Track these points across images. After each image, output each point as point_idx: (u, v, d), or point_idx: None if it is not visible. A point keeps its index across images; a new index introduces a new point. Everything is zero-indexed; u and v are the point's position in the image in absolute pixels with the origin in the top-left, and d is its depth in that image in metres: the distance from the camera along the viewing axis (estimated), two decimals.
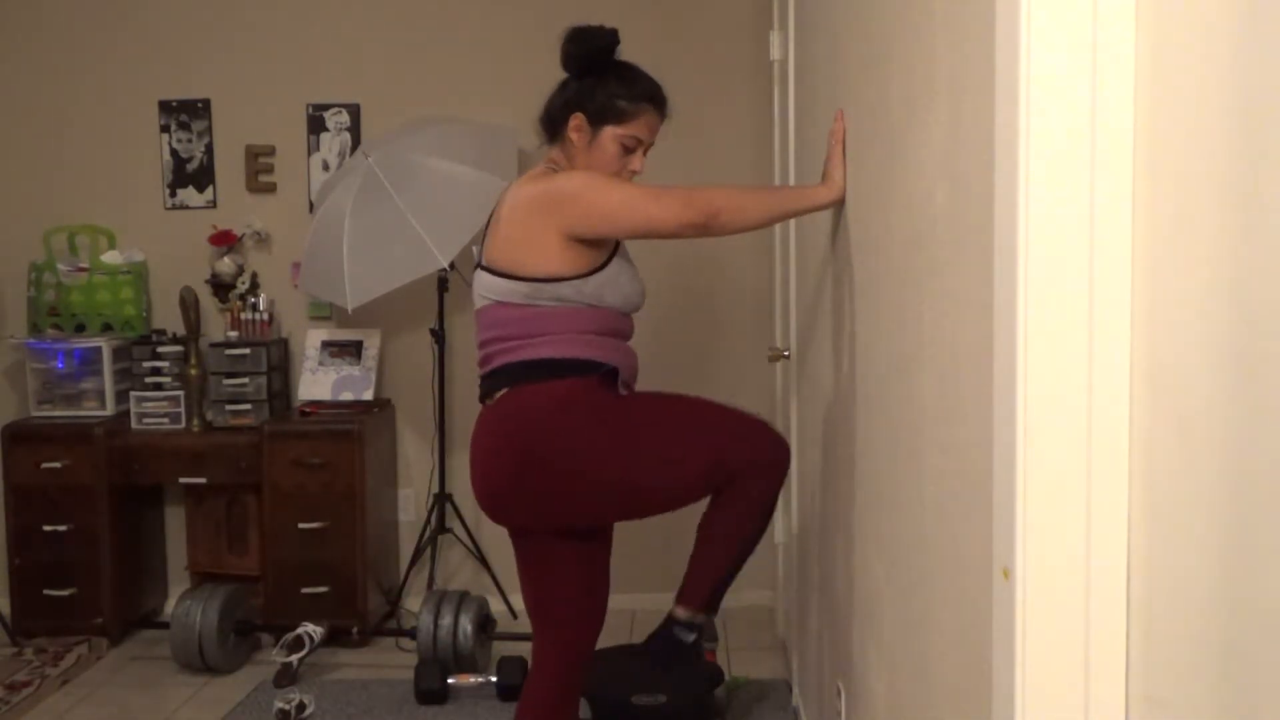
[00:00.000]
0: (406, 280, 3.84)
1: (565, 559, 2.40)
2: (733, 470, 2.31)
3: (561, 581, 2.41)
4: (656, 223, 2.21)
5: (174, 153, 4.36)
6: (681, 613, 2.37)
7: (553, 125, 2.41)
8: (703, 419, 2.36)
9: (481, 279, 2.35)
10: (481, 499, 2.35)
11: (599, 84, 2.35)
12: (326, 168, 4.33)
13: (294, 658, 3.65)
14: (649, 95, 2.37)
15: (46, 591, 4.02)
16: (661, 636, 2.37)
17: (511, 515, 2.36)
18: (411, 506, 4.42)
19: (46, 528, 4.01)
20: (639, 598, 4.26)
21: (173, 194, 4.37)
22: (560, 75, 2.45)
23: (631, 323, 2.43)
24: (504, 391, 2.30)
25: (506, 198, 2.34)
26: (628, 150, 2.35)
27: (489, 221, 2.41)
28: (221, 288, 4.32)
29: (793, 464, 3.32)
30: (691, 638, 2.36)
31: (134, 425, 4.12)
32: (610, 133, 2.34)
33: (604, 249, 2.31)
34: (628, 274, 2.35)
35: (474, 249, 2.44)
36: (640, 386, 2.56)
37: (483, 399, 2.37)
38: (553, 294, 2.26)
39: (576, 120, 2.36)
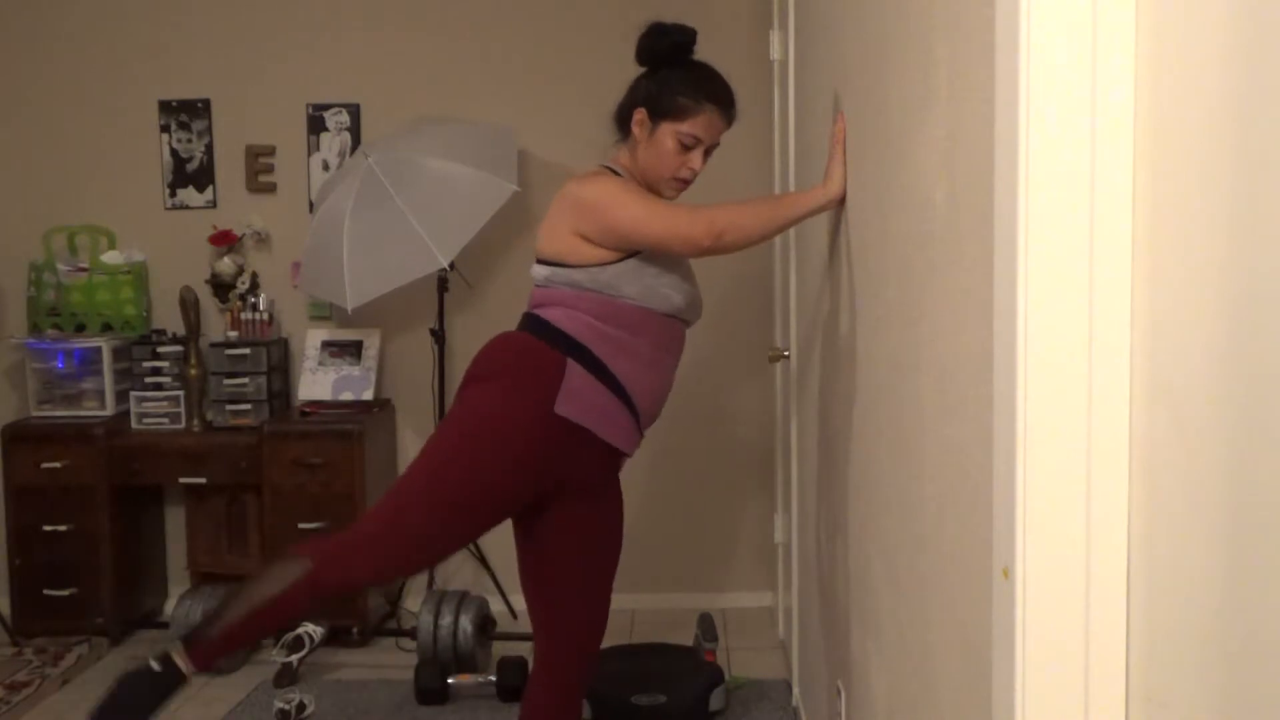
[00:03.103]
0: (406, 280, 3.84)
1: (568, 558, 2.40)
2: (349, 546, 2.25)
3: (564, 581, 2.41)
4: (664, 244, 2.25)
5: (174, 153, 4.36)
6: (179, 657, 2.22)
7: (624, 121, 2.42)
8: (451, 493, 2.25)
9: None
10: None
11: (665, 80, 2.36)
12: (326, 168, 4.33)
13: (294, 658, 3.65)
14: (713, 95, 2.37)
15: (46, 591, 4.02)
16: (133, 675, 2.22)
17: None
18: None
19: (46, 528, 4.01)
20: (639, 598, 4.27)
21: (173, 194, 4.37)
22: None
23: (668, 329, 2.36)
24: None
25: (561, 189, 2.39)
26: (686, 148, 2.36)
27: None
28: (221, 288, 4.32)
29: (793, 456, 3.32)
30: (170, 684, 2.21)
31: (134, 425, 4.12)
32: (668, 128, 2.35)
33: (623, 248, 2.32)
34: (656, 270, 2.32)
35: None
36: None
37: None
38: (566, 279, 2.32)
39: (639, 115, 2.38)
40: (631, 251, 2.31)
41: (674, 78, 2.35)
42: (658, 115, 2.35)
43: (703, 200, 3.20)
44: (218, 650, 2.23)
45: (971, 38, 1.27)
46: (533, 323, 2.34)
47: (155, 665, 2.20)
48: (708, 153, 2.39)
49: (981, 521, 1.23)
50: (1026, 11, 1.04)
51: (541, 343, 2.29)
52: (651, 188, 2.39)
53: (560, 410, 2.25)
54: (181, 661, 2.20)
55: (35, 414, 4.14)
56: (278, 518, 3.97)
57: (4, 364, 4.39)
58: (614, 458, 2.39)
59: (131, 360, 4.17)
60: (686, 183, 2.39)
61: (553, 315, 2.31)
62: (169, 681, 2.20)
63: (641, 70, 2.41)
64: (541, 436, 2.26)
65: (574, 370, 2.27)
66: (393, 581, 2.30)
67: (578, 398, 2.26)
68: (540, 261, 2.37)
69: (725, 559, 4.42)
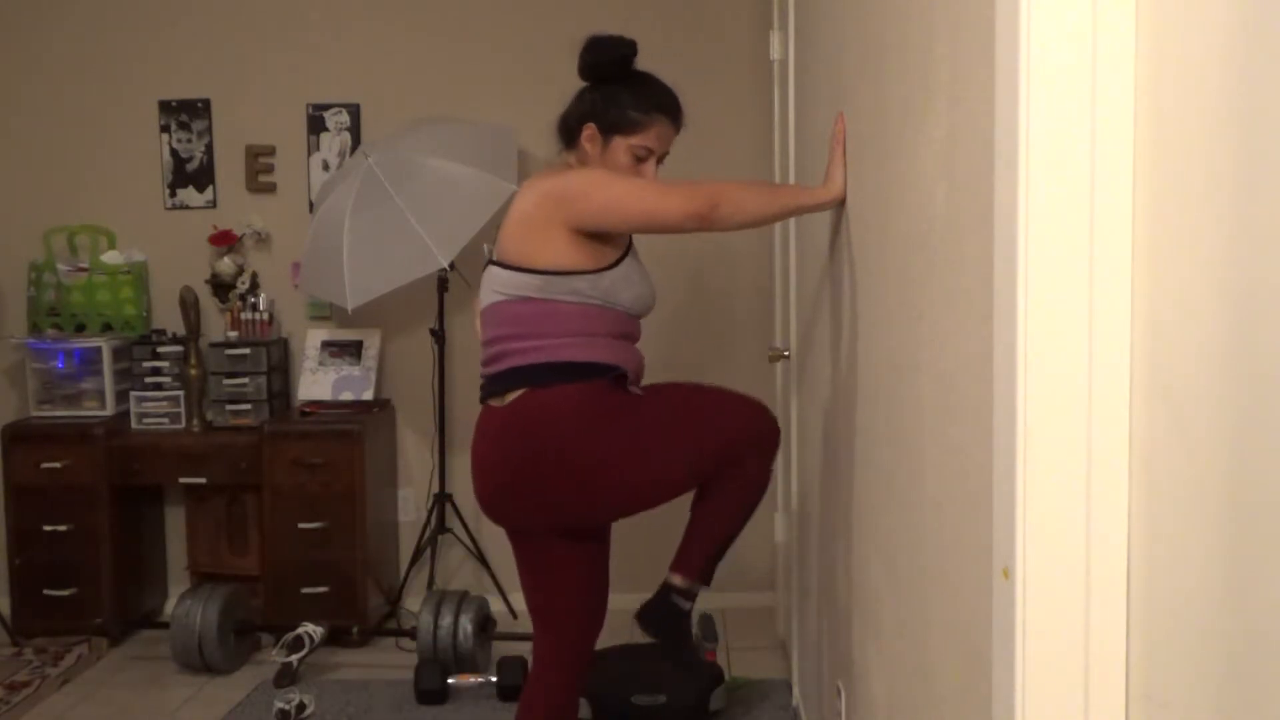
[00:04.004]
0: (406, 280, 3.84)
1: (566, 559, 2.40)
2: (734, 455, 2.36)
3: (563, 581, 2.41)
4: (659, 215, 2.22)
5: (174, 153, 4.36)
6: (678, 580, 2.43)
7: (569, 133, 2.42)
8: (706, 410, 2.39)
9: (492, 274, 2.33)
10: (486, 498, 2.33)
11: (612, 94, 2.36)
12: (326, 168, 4.33)
13: (294, 658, 3.65)
14: (661, 106, 2.37)
15: (46, 591, 4.02)
16: (658, 604, 2.43)
17: (515, 516, 2.35)
18: (411, 506, 4.42)
19: (46, 528, 4.01)
20: (639, 598, 4.25)
21: (173, 194, 4.37)
22: (573, 80, 2.45)
23: (640, 326, 2.43)
24: (520, 393, 2.26)
25: (520, 194, 2.34)
26: (639, 160, 2.36)
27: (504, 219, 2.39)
28: (221, 288, 4.32)
29: (793, 456, 3.32)
30: (688, 606, 2.43)
31: (134, 425, 4.12)
32: (620, 143, 2.35)
33: (615, 247, 2.31)
34: (639, 274, 2.37)
35: (485, 247, 2.45)
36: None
37: (487, 398, 2.33)
38: (567, 287, 2.25)
39: (589, 130, 2.37)
40: (621, 253, 2.31)
41: (622, 91, 2.35)
42: (608, 130, 2.35)
43: None
44: None
45: (971, 38, 1.28)
46: (562, 370, 2.26)
47: None
48: (660, 160, 2.40)
49: (981, 521, 1.23)
50: (1026, 11, 1.04)
51: (598, 384, 2.27)
52: None
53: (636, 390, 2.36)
54: None
55: (35, 414, 4.14)
56: (278, 518, 3.97)
57: (4, 364, 4.39)
58: None
59: (131, 360, 4.17)
60: None
61: (561, 354, 2.26)
62: None
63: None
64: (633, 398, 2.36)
65: (618, 384, 2.31)
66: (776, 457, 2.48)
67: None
68: (528, 270, 2.27)
69: (725, 559, 4.42)
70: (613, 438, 2.28)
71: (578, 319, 2.26)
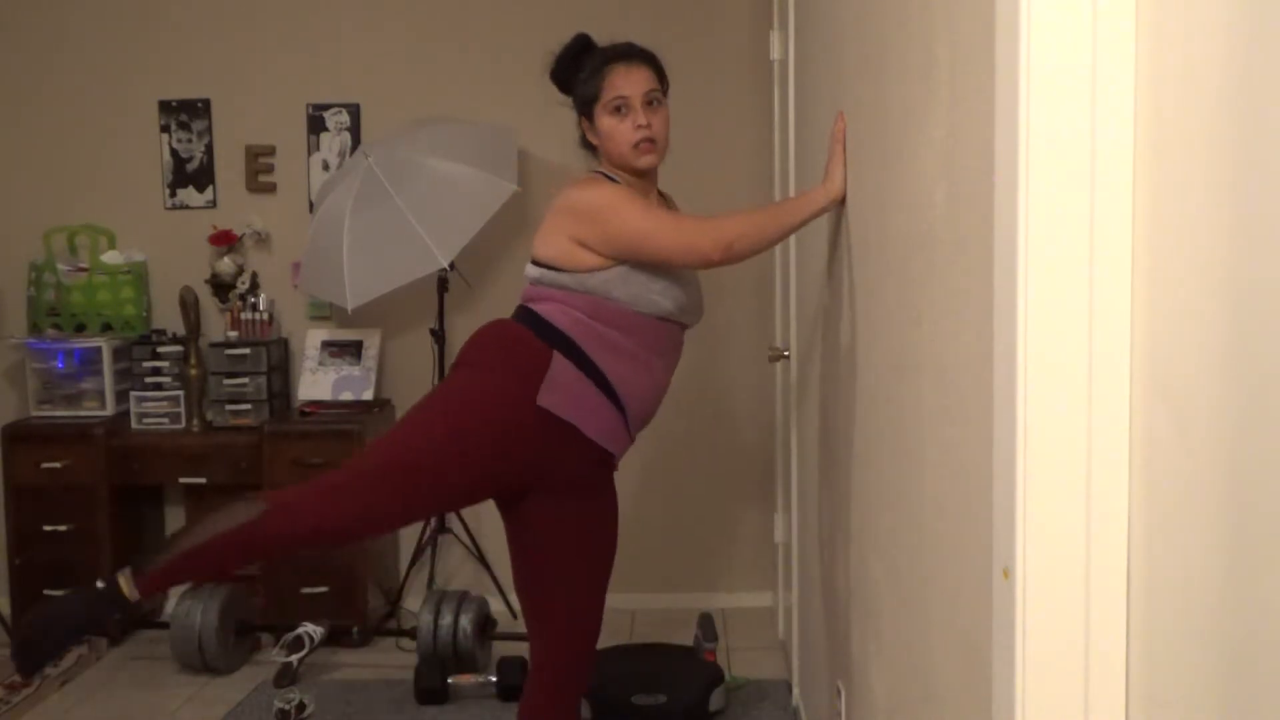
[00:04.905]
0: (406, 280, 3.84)
1: (556, 560, 2.40)
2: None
3: (552, 583, 2.41)
4: (672, 255, 2.27)
5: (174, 153, 4.36)
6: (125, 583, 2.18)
7: (584, 142, 2.47)
8: (418, 459, 2.24)
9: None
10: None
11: (578, 85, 2.41)
12: (326, 168, 4.33)
13: (294, 658, 3.65)
14: (609, 58, 2.39)
15: (46, 592, 4.02)
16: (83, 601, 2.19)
17: None
18: None
19: (46, 528, 4.01)
20: (639, 598, 4.26)
21: (173, 194, 4.37)
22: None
23: (660, 332, 2.35)
24: None
25: (556, 195, 2.40)
26: (622, 114, 2.35)
27: None
28: (221, 288, 4.32)
29: (793, 456, 3.31)
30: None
31: (134, 425, 4.12)
32: (598, 111, 2.38)
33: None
34: (644, 277, 2.29)
35: None
36: None
37: None
38: (554, 281, 2.33)
39: (583, 125, 2.43)
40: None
41: (581, 75, 2.41)
42: (587, 112, 2.40)
43: (701, 200, 3.20)
44: (159, 581, 2.19)
45: (971, 38, 1.28)
46: (524, 315, 2.36)
47: (100, 585, 2.17)
48: (653, 104, 2.37)
49: (981, 521, 1.23)
50: (1026, 11, 1.04)
51: (530, 333, 2.31)
52: (627, 168, 2.37)
53: (542, 402, 2.23)
54: (127, 586, 2.15)
55: (35, 414, 4.14)
56: None
57: (4, 364, 4.39)
58: (603, 457, 2.36)
59: (131, 360, 4.17)
60: (650, 141, 2.35)
61: (545, 309, 2.32)
62: (109, 602, 2.15)
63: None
64: (518, 425, 2.25)
65: (559, 363, 2.26)
66: (333, 544, 2.30)
67: (561, 391, 2.25)
68: (533, 263, 2.39)
69: (725, 559, 4.42)
70: (465, 382, 2.30)
71: (560, 295, 2.33)
